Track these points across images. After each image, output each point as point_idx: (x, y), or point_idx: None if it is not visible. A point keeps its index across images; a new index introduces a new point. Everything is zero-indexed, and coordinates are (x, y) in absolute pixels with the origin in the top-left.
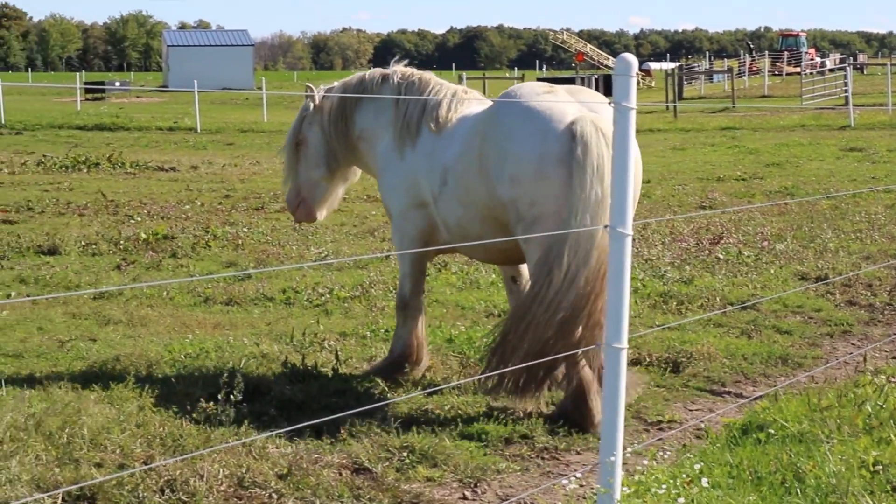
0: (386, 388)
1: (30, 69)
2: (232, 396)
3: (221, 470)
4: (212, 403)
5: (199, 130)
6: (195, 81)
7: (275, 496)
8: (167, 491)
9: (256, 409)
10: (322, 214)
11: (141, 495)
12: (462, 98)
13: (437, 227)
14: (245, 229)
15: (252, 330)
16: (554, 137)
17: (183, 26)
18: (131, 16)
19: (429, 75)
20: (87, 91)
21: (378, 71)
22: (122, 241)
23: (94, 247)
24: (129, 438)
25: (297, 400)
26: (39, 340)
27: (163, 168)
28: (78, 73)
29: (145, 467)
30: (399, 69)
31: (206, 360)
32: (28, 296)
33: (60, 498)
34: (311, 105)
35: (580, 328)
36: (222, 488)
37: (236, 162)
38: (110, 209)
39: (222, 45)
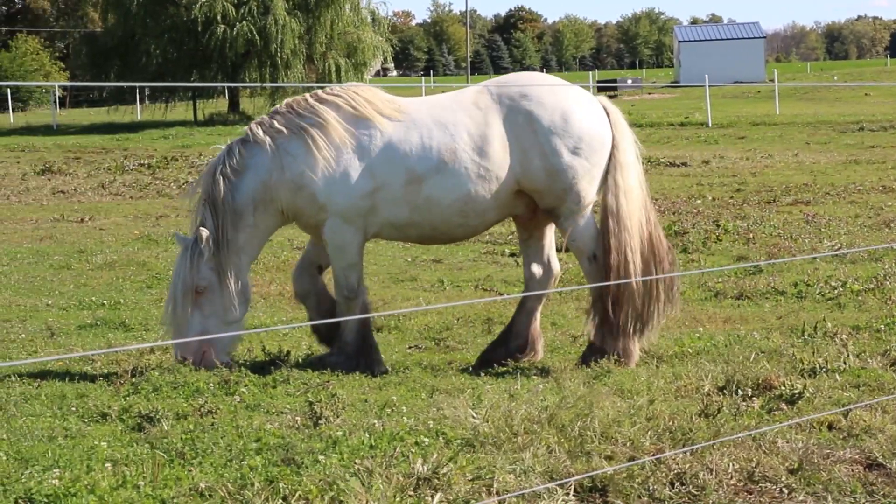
0: None
1: (544, 69)
2: (741, 390)
3: (731, 464)
4: (721, 396)
5: (710, 125)
6: (706, 76)
7: (785, 491)
8: (676, 484)
9: (764, 403)
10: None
11: (651, 487)
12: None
13: (379, 211)
14: (756, 223)
15: (762, 324)
16: (602, 112)
17: (694, 21)
18: (644, 13)
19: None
20: (600, 90)
21: (232, 146)
22: None
23: None
24: (639, 431)
25: (807, 394)
26: (553, 335)
27: (674, 163)
28: (591, 72)
29: (655, 458)
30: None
31: (716, 354)
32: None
33: (572, 488)
34: (207, 251)
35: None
36: (732, 482)
37: (748, 156)
38: None
39: (733, 38)
